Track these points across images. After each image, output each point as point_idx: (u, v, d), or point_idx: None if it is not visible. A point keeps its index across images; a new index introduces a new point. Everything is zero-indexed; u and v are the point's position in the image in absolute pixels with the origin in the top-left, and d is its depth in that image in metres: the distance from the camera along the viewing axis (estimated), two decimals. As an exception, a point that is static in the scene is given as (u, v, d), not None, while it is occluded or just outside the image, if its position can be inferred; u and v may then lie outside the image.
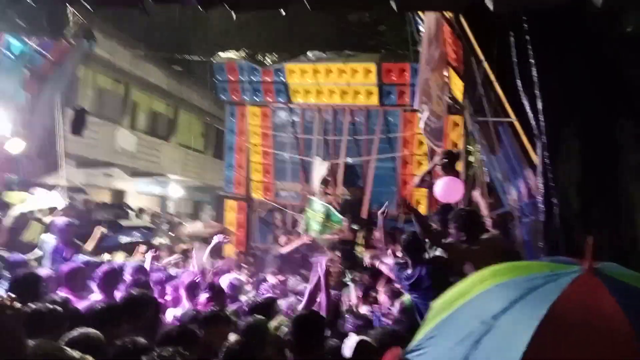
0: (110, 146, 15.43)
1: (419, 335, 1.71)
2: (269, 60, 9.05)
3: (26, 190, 6.85)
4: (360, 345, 2.94)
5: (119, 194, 18.06)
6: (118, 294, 4.17)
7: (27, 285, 3.44)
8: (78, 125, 5.66)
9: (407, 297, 4.62)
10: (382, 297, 5.15)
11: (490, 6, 3.06)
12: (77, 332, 2.40)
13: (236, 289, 5.18)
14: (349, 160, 8.91)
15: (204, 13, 3.65)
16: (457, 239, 4.11)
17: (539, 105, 3.26)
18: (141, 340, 2.68)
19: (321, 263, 3.89)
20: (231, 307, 4.52)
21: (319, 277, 3.78)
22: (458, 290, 1.75)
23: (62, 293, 3.81)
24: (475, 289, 1.64)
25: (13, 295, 2.68)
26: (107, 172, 16.77)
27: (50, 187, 7.33)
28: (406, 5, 3.69)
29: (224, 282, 5.18)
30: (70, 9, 6.85)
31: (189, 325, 3.18)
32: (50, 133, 7.70)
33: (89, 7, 3.38)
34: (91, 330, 2.48)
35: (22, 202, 6.57)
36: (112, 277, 4.25)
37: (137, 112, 18.28)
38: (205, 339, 3.02)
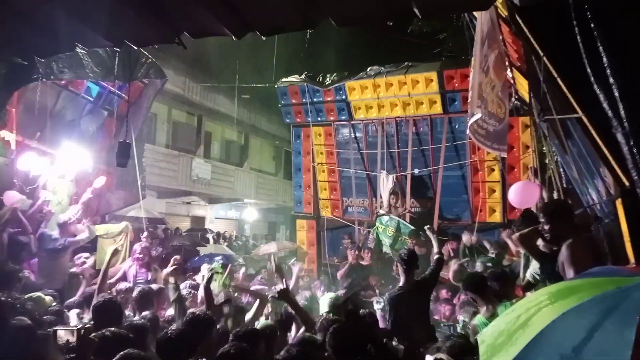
0: (187, 176, 16.27)
1: None
2: (329, 80, 9.15)
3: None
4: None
5: (198, 220, 18.92)
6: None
7: (107, 311, 3.66)
8: (122, 158, 6.03)
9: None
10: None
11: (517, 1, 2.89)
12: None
13: None
14: (416, 171, 8.74)
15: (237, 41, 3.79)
16: (554, 233, 3.81)
17: (616, 93, 2.99)
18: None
19: None
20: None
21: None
22: (514, 320, 1.60)
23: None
24: (539, 319, 1.49)
25: (89, 326, 2.90)
26: (186, 201, 17.67)
27: (131, 219, 7.82)
28: (429, 10, 3.58)
29: None
30: (141, 52, 7.35)
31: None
32: (130, 168, 8.24)
33: (133, 46, 3.61)
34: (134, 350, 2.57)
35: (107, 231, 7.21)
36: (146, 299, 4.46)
37: (211, 142, 19.18)
38: None
